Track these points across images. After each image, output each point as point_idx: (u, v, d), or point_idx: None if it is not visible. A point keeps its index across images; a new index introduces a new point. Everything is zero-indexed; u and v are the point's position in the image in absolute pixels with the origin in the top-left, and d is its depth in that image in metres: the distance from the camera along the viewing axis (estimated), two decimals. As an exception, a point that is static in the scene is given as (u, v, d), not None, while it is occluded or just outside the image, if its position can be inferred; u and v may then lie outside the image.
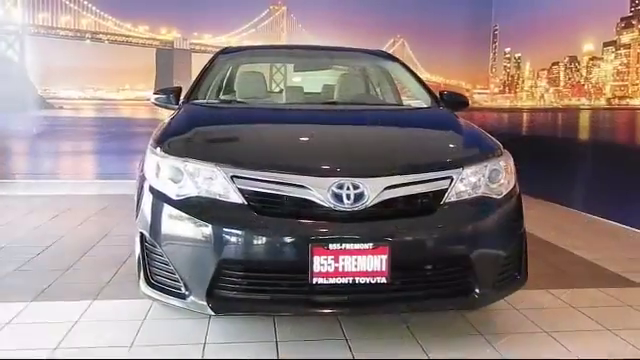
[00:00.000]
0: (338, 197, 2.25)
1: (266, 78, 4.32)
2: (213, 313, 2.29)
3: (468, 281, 2.35)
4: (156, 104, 3.67)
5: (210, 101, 3.60)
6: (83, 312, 2.85)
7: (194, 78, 3.77)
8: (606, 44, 8.56)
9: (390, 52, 4.68)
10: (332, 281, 2.21)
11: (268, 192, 2.29)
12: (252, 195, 2.29)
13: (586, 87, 8.43)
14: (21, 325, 2.69)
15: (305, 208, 2.27)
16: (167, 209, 2.37)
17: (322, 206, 2.26)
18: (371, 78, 4.33)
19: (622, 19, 8.18)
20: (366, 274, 2.22)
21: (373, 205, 2.27)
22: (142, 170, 2.63)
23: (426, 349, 2.45)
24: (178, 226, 2.34)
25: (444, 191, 2.37)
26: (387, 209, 2.29)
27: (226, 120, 3.15)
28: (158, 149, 2.55)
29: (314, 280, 2.20)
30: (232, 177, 2.31)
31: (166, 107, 3.68)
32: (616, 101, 7.66)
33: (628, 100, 7.42)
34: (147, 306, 2.93)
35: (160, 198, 2.40)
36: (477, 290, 2.35)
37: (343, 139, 2.78)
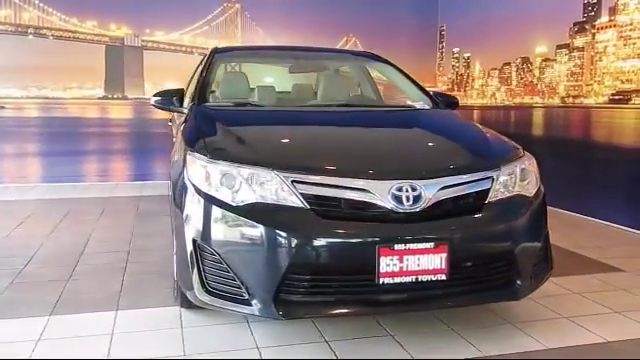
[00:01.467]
0: (398, 199, 2.34)
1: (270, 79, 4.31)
2: (281, 318, 2.30)
3: (511, 273, 2.52)
4: (156, 106, 3.59)
5: (223, 103, 3.56)
6: (113, 323, 2.76)
7: (190, 78, 3.70)
8: (559, 47, 9.18)
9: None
10: (397, 280, 2.29)
11: (330, 196, 2.33)
12: (314, 199, 2.32)
13: (539, 86, 9.01)
14: (55, 340, 2.57)
15: (366, 210, 2.34)
16: (226, 215, 2.35)
17: (383, 208, 2.33)
18: (365, 79, 4.42)
19: (575, 24, 8.78)
20: (427, 272, 2.32)
21: (429, 206, 2.37)
22: (182, 176, 2.58)
23: (470, 341, 2.58)
24: (240, 232, 2.33)
25: (487, 190, 2.51)
26: (441, 209, 2.40)
27: (260, 123, 3.14)
28: (203, 155, 2.51)
29: (381, 280, 2.28)
30: (293, 182, 2.33)
31: (168, 110, 3.62)
32: (570, 100, 8.24)
33: (582, 99, 8.01)
34: (175, 313, 2.88)
35: (216, 205, 2.38)
36: (519, 282, 2.52)
37: (387, 142, 2.87)
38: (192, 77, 5.18)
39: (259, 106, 3.55)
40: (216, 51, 3.97)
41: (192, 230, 2.44)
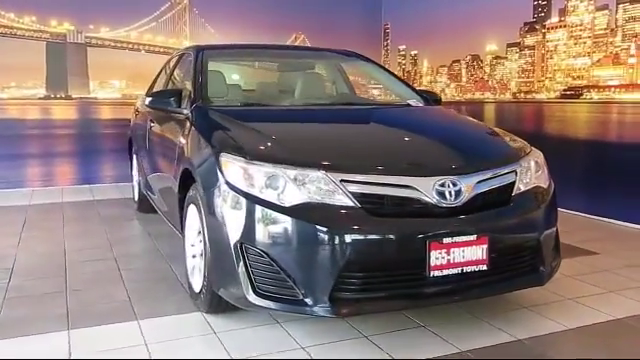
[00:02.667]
0: (441, 194, 2.43)
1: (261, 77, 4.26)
2: (338, 316, 2.33)
3: (536, 260, 2.68)
4: (152, 107, 3.48)
5: (229, 103, 3.49)
6: (141, 333, 2.66)
7: (155, 78, 3.56)
8: (510, 45, 9.74)
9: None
10: (445, 272, 2.39)
11: (378, 193, 2.38)
12: (362, 197, 2.36)
13: (490, 83, 9.45)
14: (91, 354, 2.45)
15: (412, 206, 2.41)
16: (276, 217, 2.34)
17: (428, 204, 2.42)
18: (340, 77, 4.47)
19: (525, 24, 9.37)
20: (471, 263, 2.43)
21: (468, 200, 2.48)
22: (216, 179, 2.53)
23: (501, 328, 2.72)
24: (293, 233, 2.32)
25: (513, 183, 2.66)
26: (477, 203, 2.52)
27: (282, 122, 3.12)
28: (240, 156, 2.49)
29: (431, 273, 2.36)
30: (341, 181, 2.36)
31: (164, 110, 3.51)
32: (522, 95, 8.72)
33: (534, 94, 8.50)
34: (199, 319, 2.83)
35: (264, 206, 2.36)
36: (542, 268, 2.70)
37: (418, 139, 2.94)
38: (158, 77, 5.04)
39: (267, 105, 3.52)
40: (201, 50, 3.87)
41: (237, 233, 2.41)
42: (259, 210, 2.37)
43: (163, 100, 3.41)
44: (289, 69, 4.16)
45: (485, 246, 2.44)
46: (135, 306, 3.00)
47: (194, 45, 4.13)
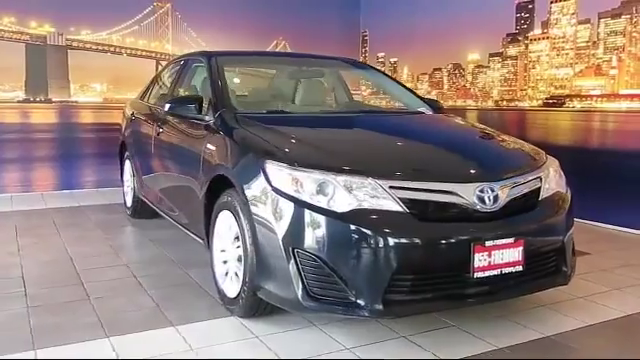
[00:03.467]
0: (481, 199, 2.56)
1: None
2: (390, 317, 2.42)
3: (559, 261, 2.85)
4: (173, 114, 3.49)
5: (255, 110, 3.52)
6: (183, 339, 2.68)
7: (150, 84, 3.57)
8: (492, 55, 10.12)
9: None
10: (486, 274, 2.52)
11: (424, 199, 2.49)
12: (409, 203, 2.47)
13: (472, 90, 9.72)
14: (141, 361, 2.46)
15: (455, 211, 2.53)
16: (329, 222, 2.41)
17: (469, 208, 2.54)
18: (340, 84, 4.57)
19: (508, 35, 9.80)
20: (509, 264, 2.57)
21: (504, 205, 2.62)
22: (263, 185, 2.59)
23: (527, 325, 2.88)
24: (345, 238, 2.40)
25: (539, 189, 2.82)
26: (511, 208, 2.66)
27: (317, 130, 3.18)
28: (287, 163, 2.55)
29: (475, 275, 2.48)
30: (390, 187, 2.46)
31: (184, 117, 3.52)
32: (504, 103, 9.02)
33: (517, 102, 8.80)
34: (235, 324, 2.87)
35: (317, 212, 2.43)
36: (564, 268, 2.87)
37: (452, 146, 3.05)
38: (153, 83, 5.01)
39: (292, 112, 3.58)
40: (212, 56, 3.90)
41: (289, 238, 2.47)
42: (311, 215, 2.44)
43: (184, 106, 3.42)
44: (301, 76, 4.22)
45: (521, 248, 2.59)
46: (165, 312, 3.00)
47: (200, 51, 4.15)
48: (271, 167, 2.60)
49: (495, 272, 2.54)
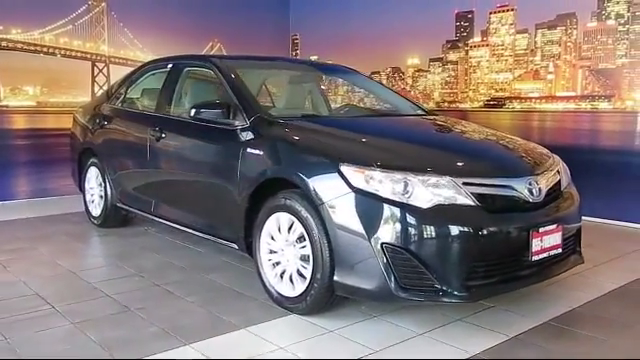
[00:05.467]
0: (530, 191, 2.90)
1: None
2: (471, 301, 2.68)
3: (576, 244, 3.27)
4: (200, 119, 3.47)
5: (289, 114, 3.59)
6: (264, 339, 2.74)
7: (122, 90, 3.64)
8: (432, 60, 10.63)
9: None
10: (540, 257, 2.86)
11: (490, 193, 2.78)
12: (478, 197, 2.74)
13: (413, 93, 10.14)
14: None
15: (512, 203, 2.85)
16: (416, 217, 2.61)
17: (521, 200, 2.87)
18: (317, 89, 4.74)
19: (448, 41, 10.38)
20: (553, 247, 2.94)
21: (545, 195, 2.99)
22: (342, 187, 2.72)
23: (547, 299, 3.27)
24: (430, 231, 2.62)
25: (560, 181, 3.23)
26: (547, 198, 3.03)
27: (369, 132, 3.32)
28: (365, 165, 2.72)
29: (533, 258, 2.82)
30: (463, 184, 2.72)
31: (212, 123, 3.50)
32: (446, 104, 9.49)
33: (458, 104, 9.31)
34: (303, 322, 2.96)
35: (402, 209, 2.62)
36: (578, 249, 3.30)
37: (494, 145, 3.34)
38: (121, 87, 4.85)
39: (326, 116, 3.70)
40: (216, 59, 3.91)
41: (377, 234, 2.63)
42: (397, 213, 2.62)
43: (212, 111, 3.42)
44: (301, 81, 4.34)
45: (560, 233, 2.97)
46: (223, 317, 3.02)
47: (198, 55, 4.13)
48: (348, 169, 2.74)
49: (545, 255, 2.89)
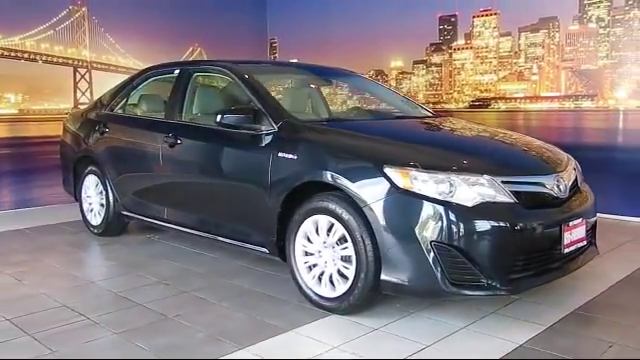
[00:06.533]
0: (558, 188, 3.07)
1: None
2: (514, 294, 2.81)
3: (593, 237, 3.47)
4: (229, 125, 3.49)
5: (312, 118, 3.64)
6: (315, 340, 2.80)
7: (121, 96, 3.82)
8: (416, 62, 10.90)
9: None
10: (570, 249, 3.03)
11: (525, 190, 2.93)
12: (516, 194, 2.88)
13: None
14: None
15: (543, 199, 3.01)
16: (460, 216, 2.72)
17: (551, 196, 3.03)
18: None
19: (432, 44, 10.67)
20: (579, 240, 3.12)
21: (569, 191, 3.16)
22: (389, 189, 2.81)
23: (572, 289, 3.45)
24: (475, 229, 2.74)
25: (577, 178, 3.41)
26: (570, 194, 3.21)
27: (410, 137, 3.42)
28: (410, 167, 2.82)
29: (564, 250, 2.98)
30: (502, 182, 2.85)
31: (235, 128, 3.53)
32: (430, 105, 9.64)
33: (443, 105, 9.48)
34: (346, 321, 3.03)
35: (449, 208, 2.73)
36: (594, 242, 3.49)
37: (521, 145, 3.47)
38: (124, 94, 4.80)
39: (351, 119, 3.78)
40: (234, 64, 3.95)
41: (426, 233, 2.73)
42: (443, 211, 2.73)
43: (240, 117, 3.45)
44: (307, 85, 4.41)
45: (584, 226, 3.15)
46: (266, 320, 3.05)
47: (209, 60, 4.14)
48: (393, 171, 2.83)
49: (573, 247, 3.06)
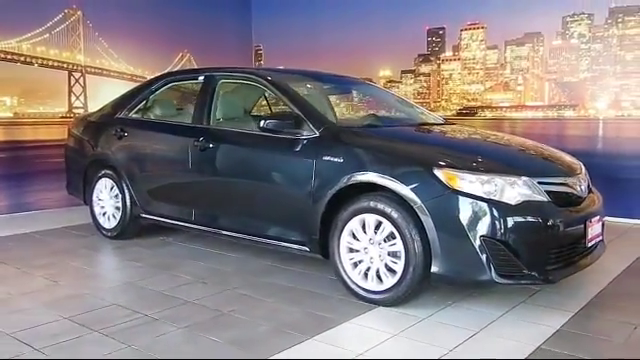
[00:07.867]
0: (580, 188, 3.41)
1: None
2: (552, 283, 3.12)
3: (603, 233, 3.83)
4: (273, 130, 3.66)
5: (354, 123, 3.87)
6: (374, 329, 3.02)
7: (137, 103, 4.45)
8: (404, 72, 11.29)
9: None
10: (591, 243, 3.38)
11: (555, 190, 3.26)
12: (548, 194, 3.20)
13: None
14: (364, 348, 2.77)
15: (569, 198, 3.35)
16: (506, 213, 3.01)
17: (574, 195, 3.38)
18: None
19: (420, 55, 11.11)
20: (597, 236, 3.48)
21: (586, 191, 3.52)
22: (441, 190, 3.07)
23: (580, 281, 3.79)
24: (519, 225, 3.04)
25: (588, 180, 3.78)
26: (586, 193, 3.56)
27: (445, 142, 3.70)
28: (458, 169, 3.10)
29: (588, 244, 3.33)
30: (538, 182, 3.17)
31: (274, 133, 3.71)
32: None
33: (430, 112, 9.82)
34: (393, 312, 3.26)
35: (496, 206, 3.02)
36: (603, 237, 3.86)
37: (540, 150, 3.78)
38: (141, 99, 4.89)
39: (379, 126, 4.03)
40: (267, 73, 4.17)
41: (477, 229, 3.00)
42: (491, 209, 3.01)
43: (283, 123, 3.64)
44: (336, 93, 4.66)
45: (600, 223, 3.51)
46: (319, 313, 3.25)
47: (239, 68, 4.34)
48: (442, 173, 3.09)
49: (593, 242, 3.41)
